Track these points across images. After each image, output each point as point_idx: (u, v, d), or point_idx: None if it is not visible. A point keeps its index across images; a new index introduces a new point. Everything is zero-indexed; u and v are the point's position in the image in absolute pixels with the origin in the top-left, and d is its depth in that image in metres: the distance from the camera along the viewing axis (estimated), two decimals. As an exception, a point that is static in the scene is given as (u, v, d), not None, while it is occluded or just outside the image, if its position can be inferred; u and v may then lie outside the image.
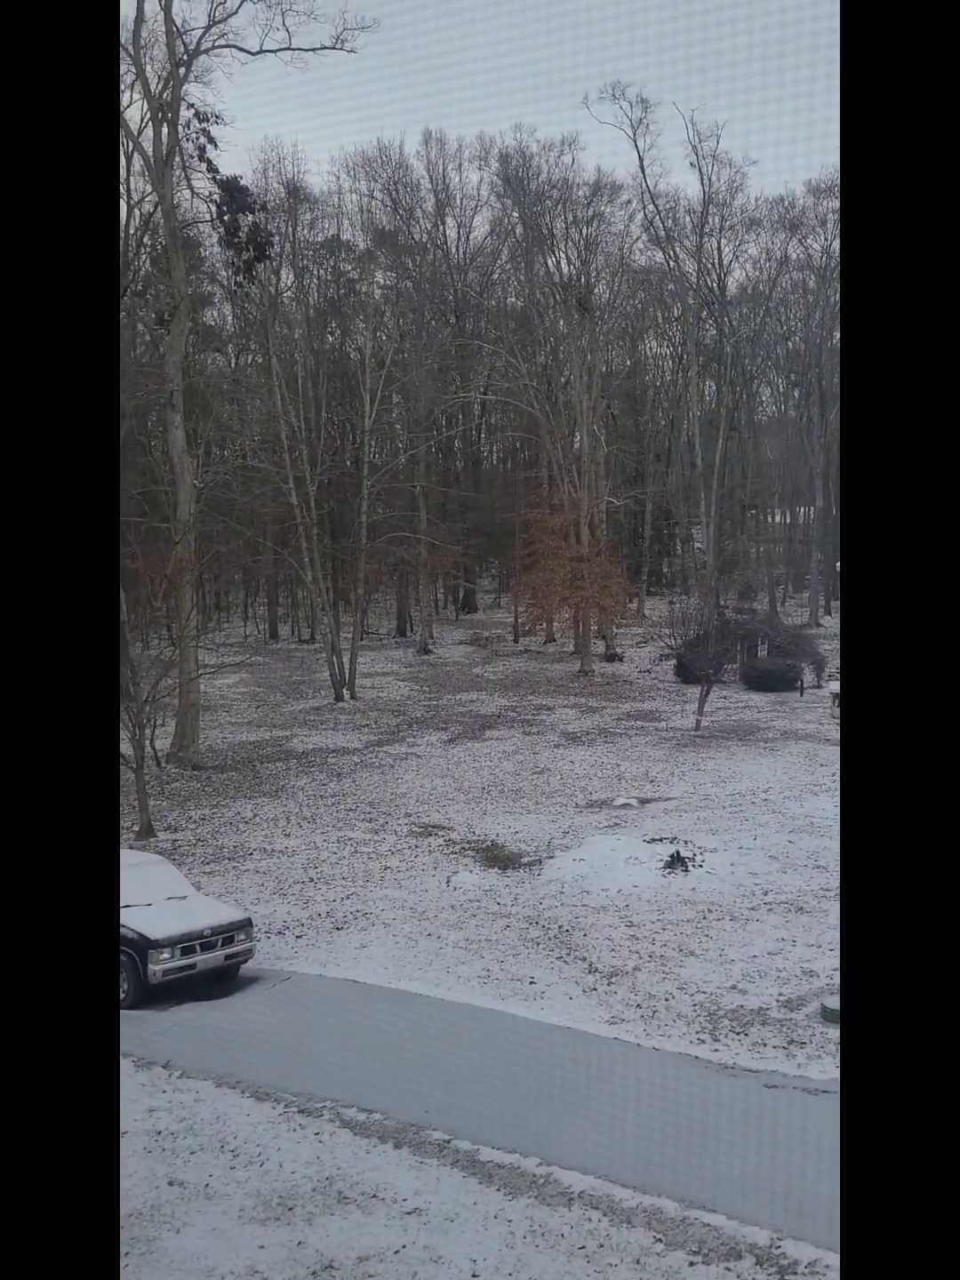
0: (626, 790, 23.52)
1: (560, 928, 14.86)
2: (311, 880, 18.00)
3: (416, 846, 19.56)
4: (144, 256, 38.82)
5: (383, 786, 25.21)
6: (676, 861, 17.14)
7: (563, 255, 52.46)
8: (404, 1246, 7.29)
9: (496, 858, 18.76)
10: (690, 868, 17.05)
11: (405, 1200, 7.87)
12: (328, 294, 52.21)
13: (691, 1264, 7.19)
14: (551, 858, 18.35)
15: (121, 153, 35.44)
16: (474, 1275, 7.10)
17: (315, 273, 52.43)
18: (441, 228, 58.74)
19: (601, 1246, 7.42)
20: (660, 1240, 7.45)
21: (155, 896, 13.78)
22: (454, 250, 58.90)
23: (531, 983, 12.87)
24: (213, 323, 51.76)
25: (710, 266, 53.95)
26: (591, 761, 26.88)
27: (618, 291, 55.00)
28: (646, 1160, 8.47)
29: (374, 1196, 8.03)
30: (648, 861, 17.32)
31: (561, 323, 49.69)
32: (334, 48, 31.24)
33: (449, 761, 27.39)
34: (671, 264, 52.67)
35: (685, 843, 18.33)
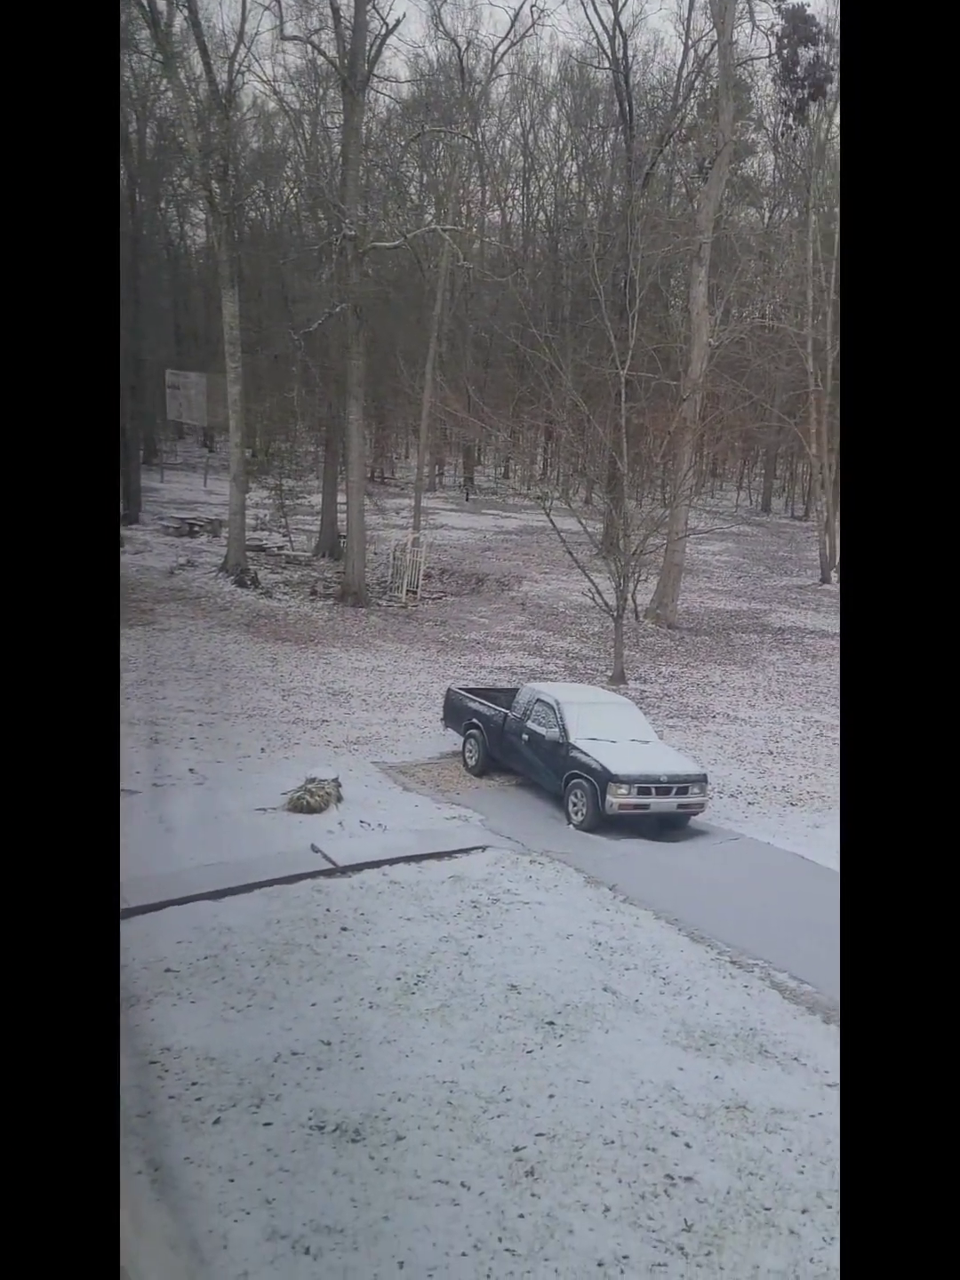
0: None
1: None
2: (770, 753, 17.85)
3: (888, 742, 18.56)
4: (692, 101, 37.88)
5: (859, 675, 24.08)
6: None
7: None
8: (821, 1114, 7.26)
9: (977, 771, 17.25)
10: None
11: (828, 1073, 7.78)
12: (882, 140, 47.55)
13: None
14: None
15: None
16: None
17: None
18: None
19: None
20: None
21: (621, 736, 14.51)
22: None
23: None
24: (752, 173, 49.58)
25: None
26: None
27: None
28: None
29: (795, 1059, 8.05)
30: None
31: None
32: None
33: (938, 662, 25.40)
34: None
35: None
